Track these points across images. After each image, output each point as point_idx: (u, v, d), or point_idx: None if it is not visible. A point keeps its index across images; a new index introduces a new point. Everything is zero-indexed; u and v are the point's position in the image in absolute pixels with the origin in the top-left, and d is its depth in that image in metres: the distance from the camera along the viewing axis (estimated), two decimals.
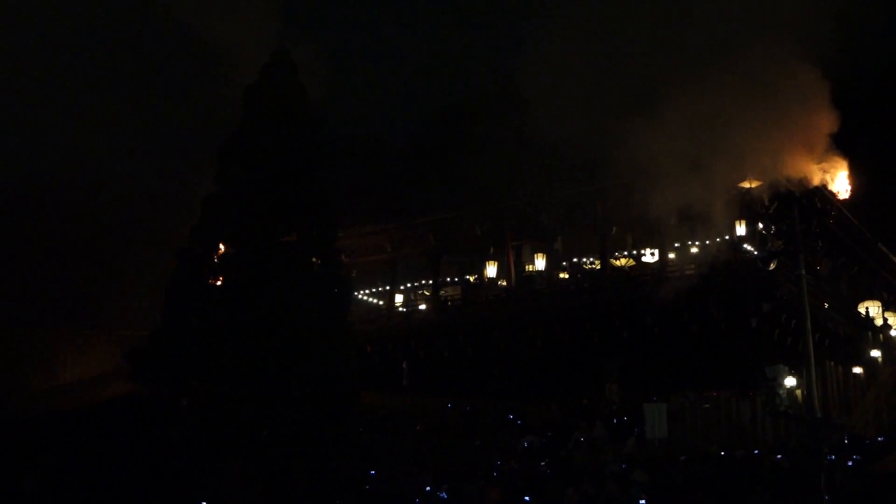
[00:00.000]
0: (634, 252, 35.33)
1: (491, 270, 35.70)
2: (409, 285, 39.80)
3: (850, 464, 18.59)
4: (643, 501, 16.56)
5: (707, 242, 32.98)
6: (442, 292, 37.89)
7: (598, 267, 34.68)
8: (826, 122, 26.57)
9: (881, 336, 36.13)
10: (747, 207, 29.19)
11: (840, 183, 34.20)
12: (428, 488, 18.81)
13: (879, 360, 34.04)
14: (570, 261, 36.36)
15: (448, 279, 38.53)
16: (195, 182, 27.38)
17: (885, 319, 38.01)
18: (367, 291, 40.08)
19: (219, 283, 22.22)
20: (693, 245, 33.64)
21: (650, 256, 34.47)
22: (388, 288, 38.58)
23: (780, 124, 24.50)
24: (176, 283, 21.86)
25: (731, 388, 26.05)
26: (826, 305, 31.59)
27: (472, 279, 37.66)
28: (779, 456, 19.56)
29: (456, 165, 35.73)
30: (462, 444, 25.73)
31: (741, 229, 29.67)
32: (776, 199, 28.28)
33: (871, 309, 37.33)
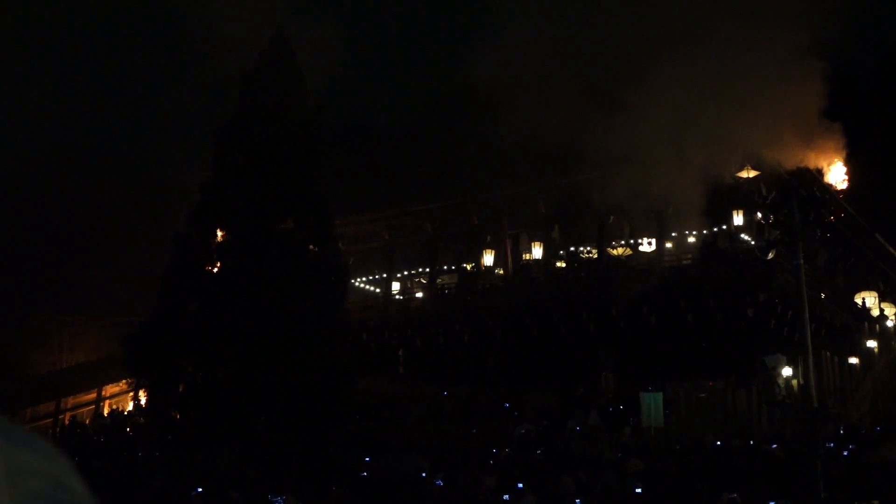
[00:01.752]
0: (632, 241, 35.30)
1: (488, 259, 35.66)
2: (405, 273, 39.76)
3: (845, 454, 18.62)
4: (639, 490, 16.57)
5: (704, 232, 32.98)
6: (439, 280, 37.87)
7: (595, 256, 34.66)
8: (821, 110, 26.54)
9: (877, 326, 36.18)
10: (745, 196, 29.21)
11: (837, 173, 34.21)
12: (423, 475, 18.81)
13: (875, 350, 34.10)
14: (566, 249, 36.31)
15: (445, 267, 38.49)
16: (192, 168, 27.33)
17: (882, 310, 38.06)
18: (363, 279, 40.02)
19: (215, 269, 22.21)
20: (690, 234, 33.63)
21: (647, 245, 34.45)
22: (384, 276, 38.54)
23: (774, 112, 24.47)
24: (173, 270, 21.85)
25: (727, 378, 26.07)
26: (823, 296, 31.61)
27: (468, 267, 37.60)
28: (774, 445, 19.58)
29: (453, 153, 35.68)
30: (458, 432, 25.74)
31: (738, 218, 29.66)
32: (774, 189, 28.33)
33: (868, 299, 37.39)
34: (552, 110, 25.07)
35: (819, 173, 31.26)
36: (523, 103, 26.78)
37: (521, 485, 17.04)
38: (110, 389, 38.60)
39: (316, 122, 23.88)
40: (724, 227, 30.92)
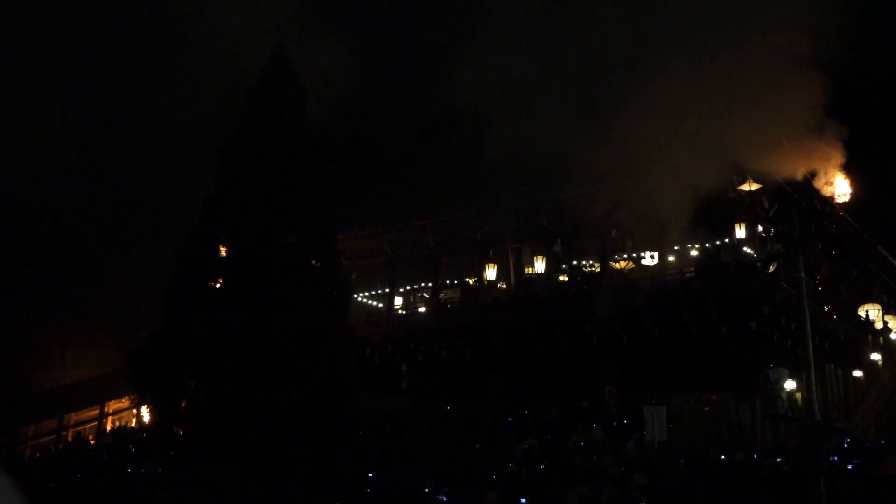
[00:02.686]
0: (634, 255, 35.30)
1: (490, 273, 35.66)
2: (408, 288, 39.76)
3: (850, 467, 18.56)
4: None
5: (707, 245, 32.98)
6: (441, 295, 37.86)
7: (598, 270, 34.65)
8: (822, 121, 26.52)
9: (881, 339, 36.11)
10: (747, 209, 29.22)
11: (840, 185, 34.17)
12: (426, 490, 18.77)
13: (879, 363, 34.03)
14: (569, 263, 36.32)
15: (447, 282, 38.50)
16: (195, 183, 27.40)
17: (885, 323, 37.99)
18: (366, 294, 40.04)
19: (218, 285, 22.22)
20: (693, 248, 33.63)
21: (650, 259, 34.44)
22: (387, 290, 38.55)
23: (773, 123, 24.43)
24: (175, 285, 21.85)
25: (730, 391, 26.00)
26: (826, 308, 31.57)
27: (471, 282, 37.62)
28: (778, 459, 19.52)
29: (456, 167, 35.72)
30: (461, 447, 25.68)
31: (741, 231, 29.66)
32: (776, 201, 28.32)
33: (871, 312, 37.32)
34: (547, 124, 25.11)
35: (817, 184, 31.23)
36: (519, 117, 26.83)
37: (524, 500, 17.01)
38: (113, 406, 38.60)
39: (318, 136, 23.97)
40: (727, 239, 30.93)
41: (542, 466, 21.84)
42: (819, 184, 28.77)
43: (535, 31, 27.65)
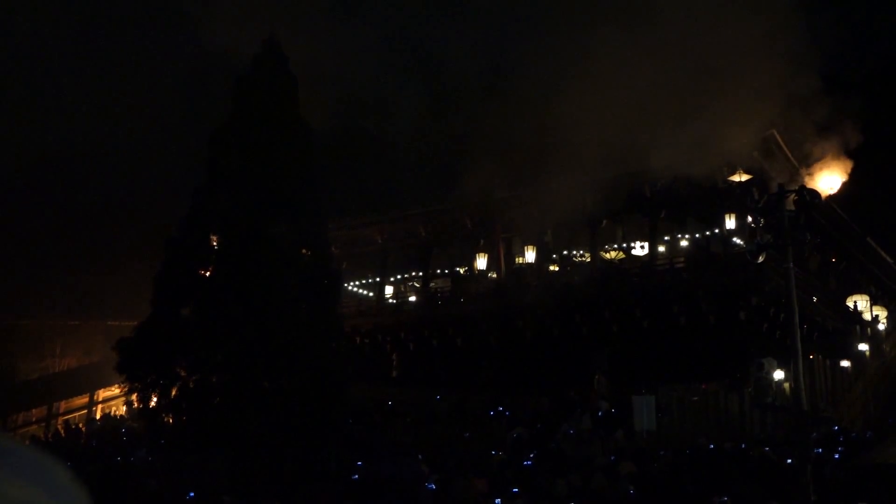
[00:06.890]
0: (624, 245, 35.37)
1: (481, 263, 35.68)
2: (399, 277, 39.78)
3: (836, 456, 18.70)
4: (631, 493, 16.61)
5: (697, 236, 33.07)
6: (432, 284, 37.89)
7: (588, 260, 34.71)
8: (812, 114, 26.63)
9: (869, 330, 36.31)
10: (737, 200, 29.29)
11: (829, 177, 34.32)
12: (422, 479, 18.80)
13: (867, 353, 34.23)
14: (560, 253, 36.36)
15: (438, 271, 38.52)
16: (186, 172, 27.33)
17: (873, 313, 38.18)
18: (357, 283, 40.05)
19: (208, 273, 22.20)
20: (683, 238, 33.72)
21: (640, 249, 34.52)
22: (378, 280, 38.57)
23: (764, 114, 24.53)
24: (166, 274, 21.83)
25: (719, 381, 26.12)
26: (815, 299, 31.71)
27: (462, 271, 37.64)
28: (766, 448, 19.64)
29: (446, 157, 35.71)
30: (450, 436, 25.76)
31: (731, 222, 29.73)
32: (765, 192, 28.37)
33: (860, 303, 37.51)
34: (539, 110, 25.16)
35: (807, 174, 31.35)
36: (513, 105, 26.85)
37: (514, 489, 17.08)
38: (103, 394, 38.57)
39: (309, 126, 23.94)
40: (717, 230, 31.01)
41: (531, 455, 21.93)
42: (807, 174, 28.90)
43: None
